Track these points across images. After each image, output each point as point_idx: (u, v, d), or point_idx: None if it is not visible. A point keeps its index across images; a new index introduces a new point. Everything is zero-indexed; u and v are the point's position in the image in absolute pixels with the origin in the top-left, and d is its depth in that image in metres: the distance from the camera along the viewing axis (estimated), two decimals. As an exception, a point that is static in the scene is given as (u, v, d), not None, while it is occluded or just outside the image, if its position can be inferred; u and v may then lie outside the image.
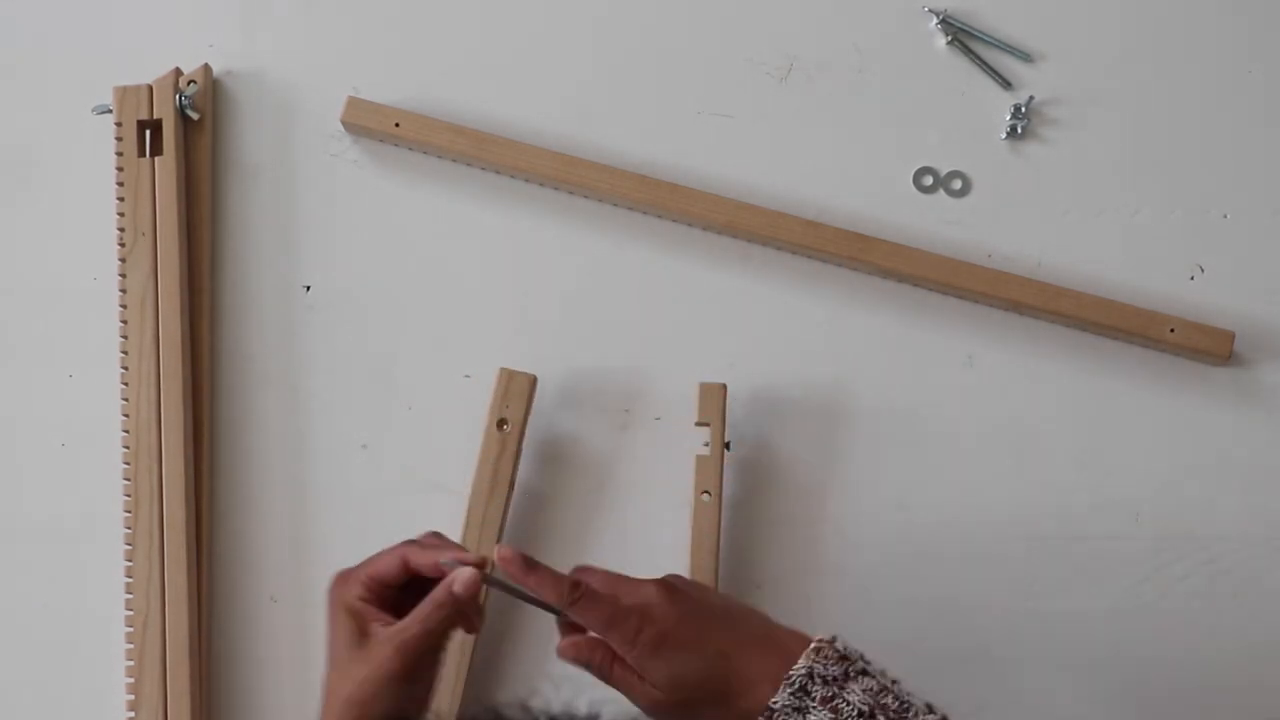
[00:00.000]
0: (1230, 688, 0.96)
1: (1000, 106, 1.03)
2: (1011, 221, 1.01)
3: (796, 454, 0.98)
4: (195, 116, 0.99)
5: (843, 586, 0.95)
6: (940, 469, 0.98)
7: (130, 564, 0.93)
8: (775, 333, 1.00)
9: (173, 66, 1.00)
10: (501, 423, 0.91)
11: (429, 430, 0.98)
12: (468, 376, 0.99)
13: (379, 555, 0.78)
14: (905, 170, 1.02)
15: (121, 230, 0.96)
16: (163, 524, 0.93)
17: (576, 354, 0.99)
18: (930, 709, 0.72)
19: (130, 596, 0.92)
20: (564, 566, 0.96)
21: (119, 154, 0.97)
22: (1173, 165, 1.02)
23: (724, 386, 0.93)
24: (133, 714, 0.91)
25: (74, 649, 0.96)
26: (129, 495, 0.94)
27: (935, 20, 1.03)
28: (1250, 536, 0.98)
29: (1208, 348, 0.97)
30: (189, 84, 0.99)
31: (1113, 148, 1.02)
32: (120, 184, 0.97)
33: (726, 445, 0.93)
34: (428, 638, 0.75)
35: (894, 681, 0.73)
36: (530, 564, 0.77)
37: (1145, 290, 1.00)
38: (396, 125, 0.99)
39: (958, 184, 1.02)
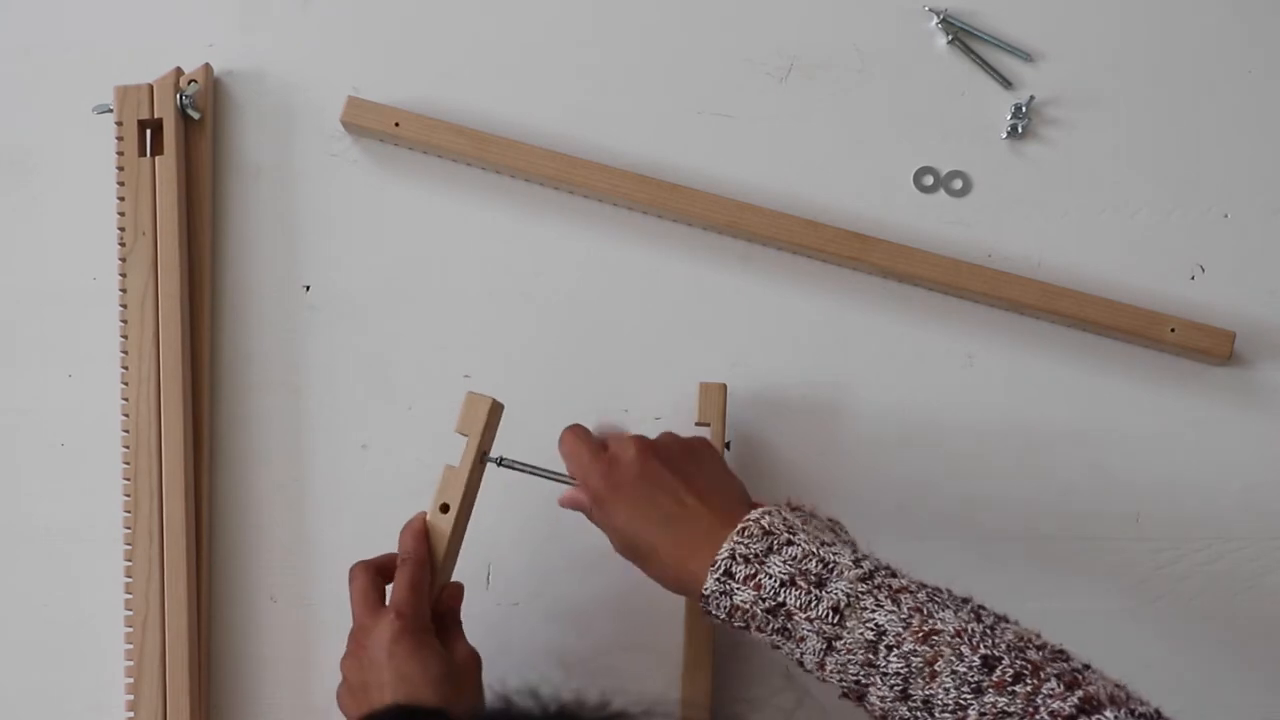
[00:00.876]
0: (1230, 688, 0.96)
1: (1001, 106, 1.03)
2: (1011, 221, 1.01)
3: (797, 454, 0.98)
4: (196, 116, 0.99)
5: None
6: (940, 469, 0.98)
7: (130, 564, 0.93)
8: (775, 333, 1.00)
9: (173, 66, 1.00)
10: (483, 456, 0.86)
11: (429, 430, 0.98)
12: (468, 376, 0.99)
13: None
14: (905, 170, 1.02)
15: (122, 230, 0.96)
16: (162, 524, 0.93)
17: (577, 354, 0.99)
18: (858, 562, 0.75)
19: (130, 596, 0.92)
20: (569, 563, 0.96)
21: (119, 153, 0.97)
22: (1173, 165, 1.02)
23: (724, 386, 0.93)
24: (132, 714, 0.91)
25: (74, 649, 0.96)
26: (129, 495, 0.94)
27: (935, 20, 1.03)
28: (1250, 536, 0.98)
29: (1208, 348, 0.97)
30: (190, 83, 0.99)
31: (1113, 148, 1.02)
32: (121, 184, 0.97)
33: (726, 445, 0.93)
34: (413, 587, 0.82)
35: (824, 544, 0.76)
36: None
37: (1145, 290, 1.00)
38: (396, 125, 0.99)
39: (958, 184, 1.02)
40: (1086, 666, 0.71)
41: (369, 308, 1.00)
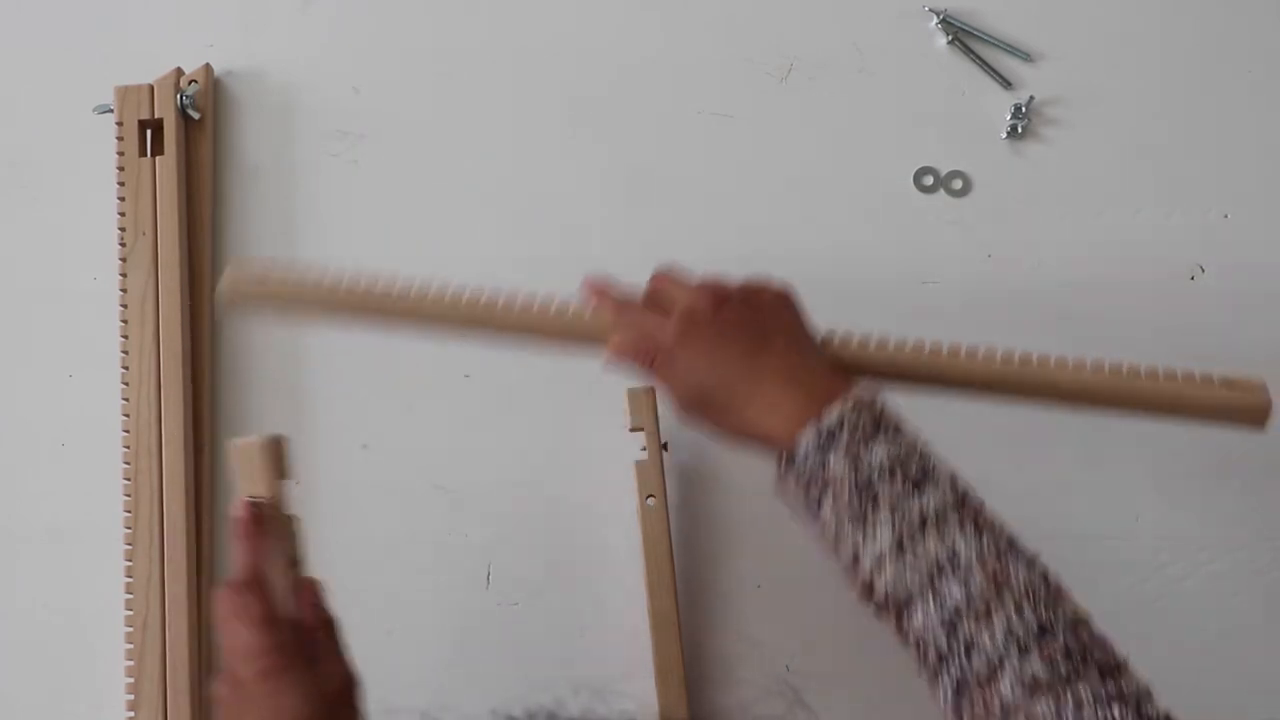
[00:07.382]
0: (1230, 688, 0.96)
1: (1001, 106, 1.03)
2: (1011, 221, 1.01)
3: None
4: (196, 116, 0.99)
5: (844, 586, 0.95)
6: (940, 469, 0.98)
7: (130, 564, 0.93)
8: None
9: (174, 66, 1.00)
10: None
11: (429, 430, 0.98)
12: (468, 376, 0.99)
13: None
14: (905, 170, 1.02)
15: (122, 230, 0.96)
16: (163, 524, 0.93)
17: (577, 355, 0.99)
18: (954, 478, 0.72)
19: (130, 596, 0.92)
20: (569, 563, 0.96)
21: (120, 153, 0.97)
22: (1173, 165, 1.02)
23: (653, 390, 0.93)
24: (132, 714, 0.91)
25: (74, 649, 0.96)
26: (129, 495, 0.94)
27: (935, 20, 1.03)
28: (1249, 537, 0.98)
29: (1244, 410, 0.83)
30: (190, 83, 0.99)
31: (1113, 148, 1.02)
32: (121, 183, 0.97)
33: (664, 446, 0.93)
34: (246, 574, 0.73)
35: (926, 445, 0.73)
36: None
37: (1145, 290, 1.00)
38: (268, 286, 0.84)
39: (958, 184, 1.02)
40: (1124, 662, 0.70)
41: (369, 308, 1.00)
